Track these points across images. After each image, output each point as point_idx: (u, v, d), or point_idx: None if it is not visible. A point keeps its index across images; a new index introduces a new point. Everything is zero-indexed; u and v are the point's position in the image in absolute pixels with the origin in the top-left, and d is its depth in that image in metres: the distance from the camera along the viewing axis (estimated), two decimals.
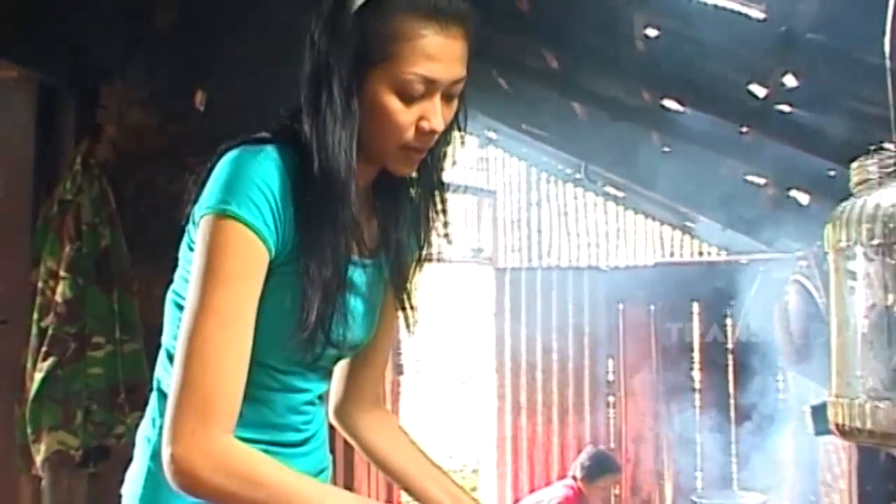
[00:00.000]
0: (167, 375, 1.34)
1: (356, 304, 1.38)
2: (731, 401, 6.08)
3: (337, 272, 1.28)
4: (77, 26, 3.00)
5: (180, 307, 1.31)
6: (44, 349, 2.83)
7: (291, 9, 3.65)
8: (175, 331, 1.32)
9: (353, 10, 1.22)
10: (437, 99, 1.27)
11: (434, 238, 1.46)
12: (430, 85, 1.25)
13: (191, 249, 1.28)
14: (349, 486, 4.61)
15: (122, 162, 3.19)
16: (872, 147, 1.24)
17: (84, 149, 3.01)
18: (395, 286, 1.46)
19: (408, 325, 1.48)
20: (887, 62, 1.24)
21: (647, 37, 3.17)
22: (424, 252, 1.46)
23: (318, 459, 1.45)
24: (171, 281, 1.38)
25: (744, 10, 2.63)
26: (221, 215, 1.18)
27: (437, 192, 1.43)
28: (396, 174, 1.36)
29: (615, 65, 3.58)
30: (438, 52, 1.24)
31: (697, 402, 6.25)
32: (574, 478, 5.50)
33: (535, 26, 3.61)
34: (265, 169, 1.22)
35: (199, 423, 1.14)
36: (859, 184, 1.25)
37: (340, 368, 1.56)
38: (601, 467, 5.44)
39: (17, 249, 3.04)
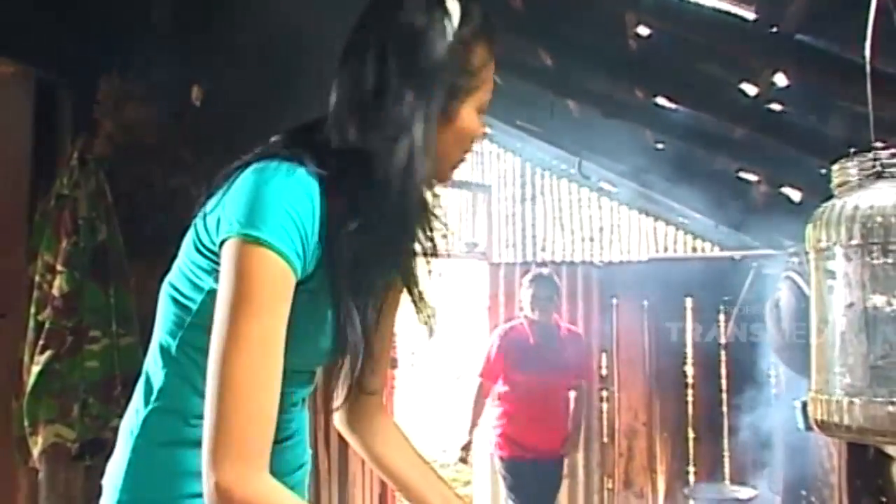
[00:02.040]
0: (157, 370, 1.35)
1: None
2: (724, 395, 6.12)
3: (377, 300, 1.33)
4: (74, 21, 3.02)
5: (176, 302, 1.33)
6: (41, 343, 2.85)
7: (289, 4, 3.67)
8: (170, 325, 1.34)
9: (451, 41, 1.28)
10: None
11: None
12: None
13: (196, 249, 1.29)
14: (343, 480, 4.64)
15: (119, 157, 3.19)
16: (853, 150, 1.27)
17: (81, 144, 3.02)
18: (409, 290, 1.48)
19: (426, 323, 1.50)
20: (867, 67, 1.27)
21: (639, 35, 3.20)
22: (430, 250, 1.48)
23: (298, 454, 1.47)
24: (166, 271, 1.39)
25: (735, 10, 2.65)
26: (252, 241, 1.18)
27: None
28: (445, 181, 1.42)
29: (608, 63, 3.61)
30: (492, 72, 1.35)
31: (690, 397, 6.29)
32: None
33: (529, 24, 3.63)
34: (296, 193, 1.22)
35: (237, 457, 1.15)
36: (840, 185, 1.28)
37: (344, 377, 1.58)
38: (536, 288, 5.18)
39: (15, 244, 3.05)
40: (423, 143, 1.26)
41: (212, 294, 1.26)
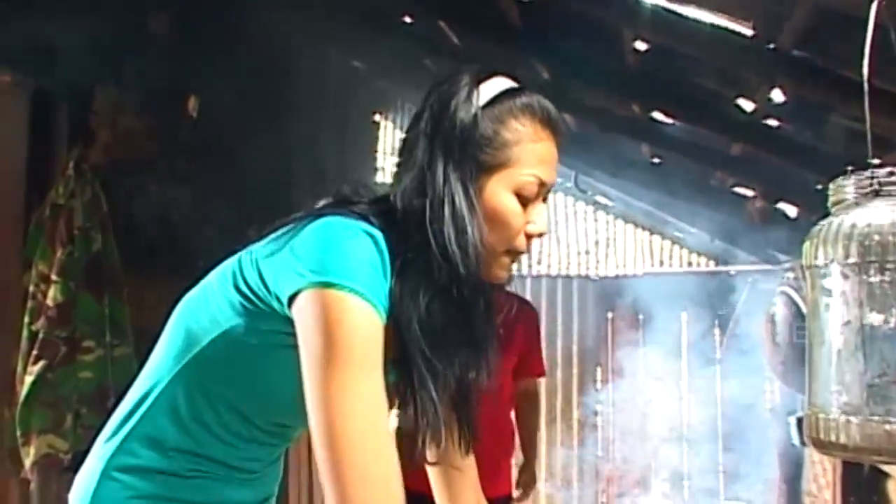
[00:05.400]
0: (147, 393, 1.31)
1: None
2: (719, 410, 6.11)
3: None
4: (70, 32, 3.02)
5: (188, 329, 1.30)
6: (34, 353, 2.84)
7: (283, 17, 3.68)
8: (175, 351, 1.30)
9: (477, 111, 1.25)
10: (540, 203, 1.31)
11: None
12: (541, 188, 1.28)
13: (234, 285, 1.25)
14: None
15: (115, 167, 3.20)
16: (849, 167, 1.26)
17: (77, 154, 3.02)
18: (456, 410, 1.42)
19: (460, 446, 1.43)
20: (865, 86, 1.27)
21: (636, 50, 3.20)
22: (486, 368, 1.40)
23: (265, 488, 1.45)
24: (179, 290, 1.35)
25: (733, 26, 2.66)
26: (347, 291, 1.11)
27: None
28: (492, 280, 1.33)
29: (605, 77, 3.61)
30: (548, 157, 1.29)
31: (685, 412, 6.28)
32: None
33: (526, 39, 3.63)
34: (374, 250, 1.17)
35: None
36: (836, 203, 1.28)
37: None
38: None
39: (9, 253, 3.05)
40: (462, 207, 1.22)
41: (226, 334, 1.24)
